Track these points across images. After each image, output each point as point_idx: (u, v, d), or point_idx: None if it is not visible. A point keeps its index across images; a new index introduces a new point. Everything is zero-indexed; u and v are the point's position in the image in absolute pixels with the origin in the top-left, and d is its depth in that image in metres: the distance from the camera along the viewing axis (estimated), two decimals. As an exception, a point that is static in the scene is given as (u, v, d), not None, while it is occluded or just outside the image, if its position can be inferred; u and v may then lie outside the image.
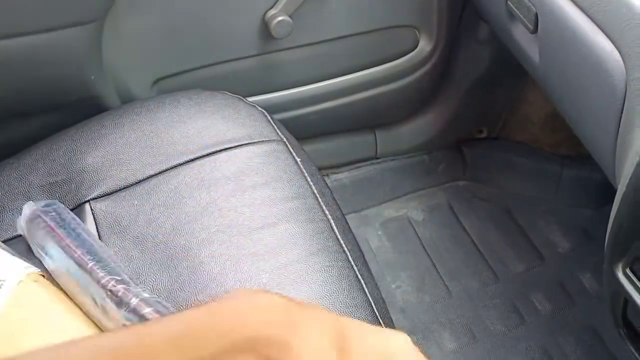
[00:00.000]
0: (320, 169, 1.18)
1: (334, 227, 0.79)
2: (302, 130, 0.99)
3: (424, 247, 1.23)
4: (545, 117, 1.27)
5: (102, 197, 0.81)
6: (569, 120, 0.82)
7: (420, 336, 1.11)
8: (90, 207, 0.80)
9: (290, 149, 0.87)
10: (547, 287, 1.17)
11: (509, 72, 1.20)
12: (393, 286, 1.18)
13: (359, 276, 0.75)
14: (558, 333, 1.11)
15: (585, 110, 0.73)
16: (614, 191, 0.93)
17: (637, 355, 0.68)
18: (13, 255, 0.72)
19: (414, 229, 1.25)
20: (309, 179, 0.84)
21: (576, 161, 1.27)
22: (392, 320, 0.75)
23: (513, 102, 1.30)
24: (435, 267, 1.20)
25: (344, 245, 0.78)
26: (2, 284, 0.68)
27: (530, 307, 1.15)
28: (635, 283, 0.61)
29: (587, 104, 0.71)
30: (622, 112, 0.65)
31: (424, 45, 1.18)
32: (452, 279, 1.19)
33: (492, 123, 1.33)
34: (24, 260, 0.71)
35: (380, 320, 0.72)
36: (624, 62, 0.61)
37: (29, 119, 0.92)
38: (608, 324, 1.12)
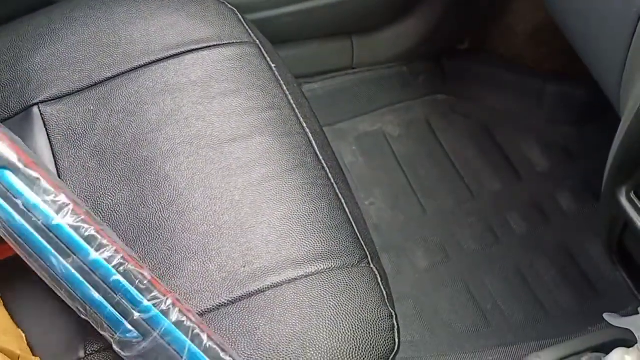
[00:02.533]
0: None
1: (313, 142, 0.73)
2: (274, 34, 0.91)
3: (399, 163, 1.18)
4: (532, 29, 1.20)
5: (52, 100, 0.73)
6: (572, 34, 0.75)
7: (393, 254, 1.07)
8: (40, 110, 0.72)
9: (264, 53, 0.79)
10: (523, 206, 1.14)
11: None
12: (366, 203, 1.13)
13: (339, 194, 0.70)
14: (532, 253, 1.09)
15: (594, 21, 0.66)
16: (597, 109, 0.89)
17: (629, 281, 0.65)
18: None
19: (390, 145, 1.20)
20: (284, 88, 0.77)
21: (559, 77, 1.21)
22: (372, 241, 0.71)
23: (498, 12, 1.22)
24: (410, 184, 1.16)
25: (323, 162, 0.72)
26: None
27: (505, 226, 1.12)
28: (639, 208, 0.57)
29: (597, 14, 0.65)
30: (637, 25, 0.59)
31: (409, -56, 1.08)
32: (427, 196, 1.15)
33: (475, 33, 1.26)
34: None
35: (362, 240, 0.68)
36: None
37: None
38: (583, 245, 1.11)
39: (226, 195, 0.65)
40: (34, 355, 0.60)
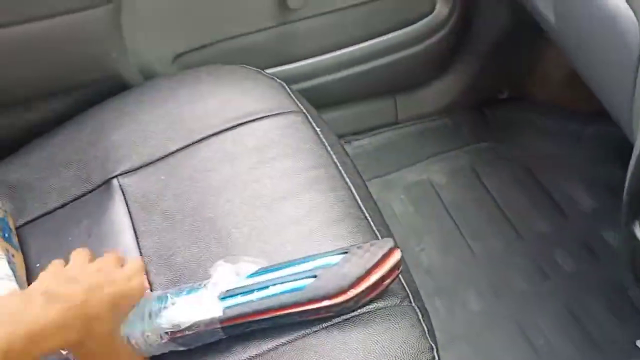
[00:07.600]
0: (341, 135, 1.19)
1: (356, 195, 0.80)
2: (322, 99, 1.00)
3: (447, 210, 1.23)
4: (566, 75, 1.26)
5: (129, 172, 0.83)
6: (587, 80, 0.81)
7: (445, 297, 1.12)
8: (118, 182, 0.83)
9: (310, 119, 0.88)
10: (571, 245, 1.17)
11: (528, 32, 1.18)
12: (417, 249, 1.19)
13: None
14: (583, 292, 1.11)
15: (601, 69, 0.73)
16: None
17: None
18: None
19: (437, 193, 1.26)
20: (329, 149, 0.85)
21: (598, 118, 1.25)
22: (413, 281, 0.76)
23: (533, 62, 1.28)
24: (458, 229, 1.21)
25: (365, 212, 0.79)
26: None
27: (554, 266, 1.15)
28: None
29: (603, 63, 0.71)
30: (637, 71, 0.65)
31: (441, 8, 1.17)
32: (476, 239, 1.20)
33: (513, 83, 1.33)
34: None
35: (403, 282, 0.73)
36: (638, 22, 0.61)
37: (54, 100, 0.94)
38: (631, 280, 1.13)
39: (279, 248, 0.73)
40: None
